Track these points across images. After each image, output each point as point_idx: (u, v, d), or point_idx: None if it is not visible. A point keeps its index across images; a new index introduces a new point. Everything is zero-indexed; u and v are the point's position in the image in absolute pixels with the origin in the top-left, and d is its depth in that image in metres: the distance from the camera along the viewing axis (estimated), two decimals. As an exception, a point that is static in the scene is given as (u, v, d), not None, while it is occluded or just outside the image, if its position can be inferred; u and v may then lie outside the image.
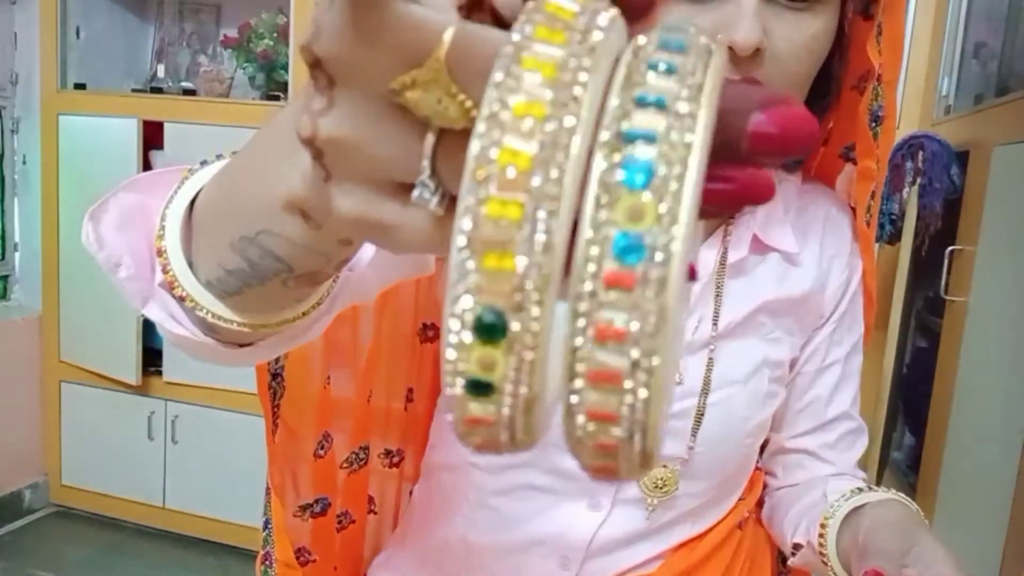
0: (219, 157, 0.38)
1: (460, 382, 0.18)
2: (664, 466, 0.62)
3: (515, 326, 0.18)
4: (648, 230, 0.17)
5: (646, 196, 0.17)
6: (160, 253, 0.36)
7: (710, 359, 0.62)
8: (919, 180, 1.66)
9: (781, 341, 0.66)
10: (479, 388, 0.18)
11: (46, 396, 2.88)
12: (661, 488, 0.62)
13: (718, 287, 0.63)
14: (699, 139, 0.17)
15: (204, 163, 0.37)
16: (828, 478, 0.70)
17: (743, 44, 0.50)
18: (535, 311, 0.18)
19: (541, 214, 0.17)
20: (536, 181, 0.17)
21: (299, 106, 0.25)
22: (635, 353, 0.17)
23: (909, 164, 1.68)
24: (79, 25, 2.71)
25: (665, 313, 0.17)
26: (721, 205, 0.20)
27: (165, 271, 0.35)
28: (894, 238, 1.78)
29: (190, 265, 0.35)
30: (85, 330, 2.77)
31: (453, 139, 0.22)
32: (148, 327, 2.67)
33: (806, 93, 0.57)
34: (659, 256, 0.17)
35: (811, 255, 0.67)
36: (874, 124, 0.65)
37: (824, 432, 0.71)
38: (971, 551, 1.28)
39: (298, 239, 0.29)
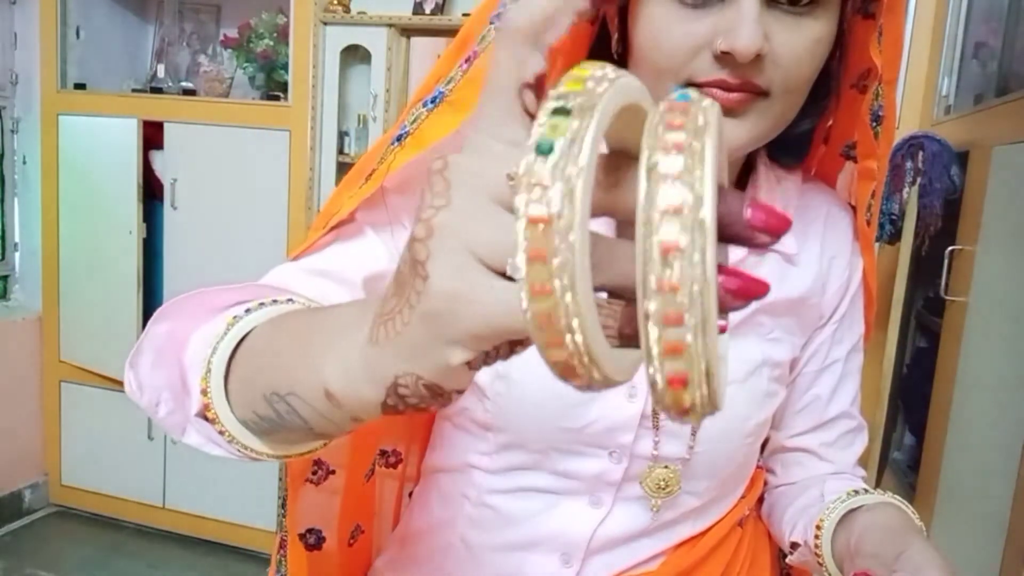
0: (261, 305, 0.43)
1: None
2: (666, 467, 0.62)
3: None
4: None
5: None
6: (205, 393, 0.41)
7: None
8: (919, 180, 1.66)
9: (781, 341, 0.66)
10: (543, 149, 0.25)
11: (46, 396, 2.88)
12: (664, 489, 0.62)
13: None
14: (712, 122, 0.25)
15: (248, 311, 0.43)
16: (826, 477, 0.70)
17: (744, 51, 0.49)
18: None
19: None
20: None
21: (365, 304, 0.33)
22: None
23: (909, 164, 1.68)
24: (79, 25, 2.71)
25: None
26: (737, 296, 0.26)
27: (208, 409, 0.41)
28: (894, 238, 1.77)
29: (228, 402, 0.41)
30: (85, 330, 2.77)
31: None
32: (148, 327, 2.67)
33: (806, 95, 0.57)
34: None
35: (811, 255, 0.66)
36: (875, 124, 0.64)
37: (824, 431, 0.71)
38: (971, 551, 1.28)
39: (321, 410, 0.35)
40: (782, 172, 0.68)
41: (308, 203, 2.49)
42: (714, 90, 0.52)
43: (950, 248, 1.52)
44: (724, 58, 0.50)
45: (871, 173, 0.67)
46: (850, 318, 0.70)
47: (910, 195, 1.68)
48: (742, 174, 0.65)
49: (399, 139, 0.59)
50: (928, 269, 1.75)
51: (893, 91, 0.64)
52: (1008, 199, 1.34)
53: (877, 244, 1.78)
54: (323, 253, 0.58)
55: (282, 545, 0.67)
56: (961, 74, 1.82)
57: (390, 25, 2.39)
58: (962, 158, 1.60)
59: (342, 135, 2.54)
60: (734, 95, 0.52)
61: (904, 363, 1.97)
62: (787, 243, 0.64)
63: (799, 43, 0.52)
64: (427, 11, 2.38)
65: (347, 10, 2.43)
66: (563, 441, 0.61)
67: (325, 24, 2.43)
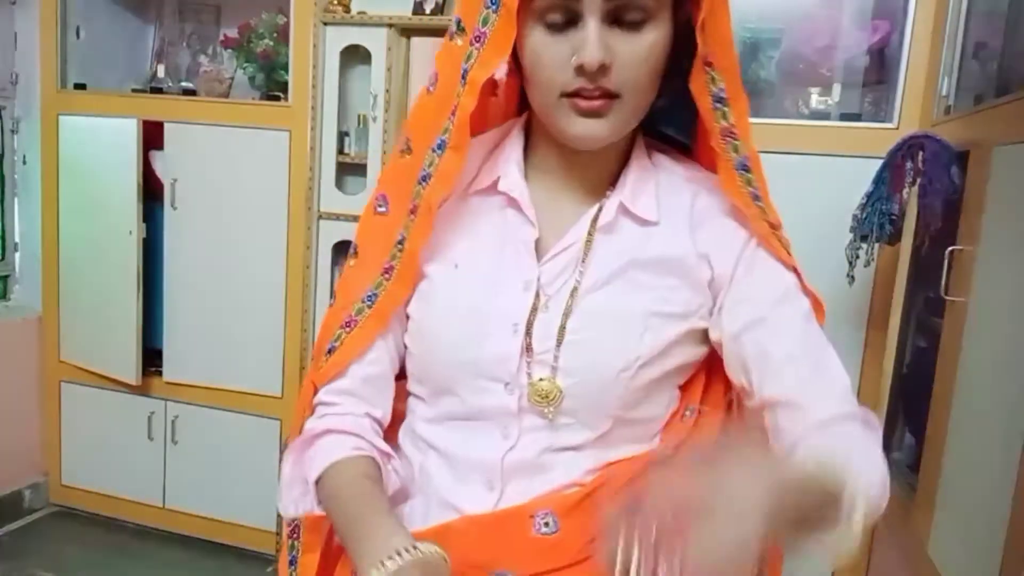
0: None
1: None
2: (541, 379, 0.72)
3: None
4: None
5: None
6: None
7: (575, 286, 0.73)
8: (919, 180, 1.65)
9: (662, 294, 0.74)
10: None
11: (46, 396, 2.89)
12: (547, 398, 0.72)
13: (588, 243, 0.74)
14: None
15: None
16: (809, 434, 0.66)
17: (589, 64, 0.65)
18: None
19: None
20: None
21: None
22: None
23: (909, 164, 1.68)
24: (79, 25, 2.71)
25: None
26: None
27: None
28: (894, 238, 1.77)
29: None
30: (85, 330, 2.77)
31: None
32: (148, 327, 2.67)
33: (655, 89, 0.71)
34: None
35: (675, 222, 0.76)
36: (719, 105, 0.72)
37: (775, 380, 0.70)
38: (971, 551, 1.28)
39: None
40: (667, 161, 0.80)
41: (308, 203, 2.49)
42: (579, 100, 0.68)
43: (950, 248, 1.52)
44: (580, 70, 0.66)
45: (714, 152, 0.74)
46: (761, 278, 0.73)
47: (910, 195, 1.68)
48: (620, 167, 0.78)
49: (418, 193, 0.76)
50: (928, 269, 1.75)
51: (732, 76, 0.72)
52: (1008, 199, 1.34)
53: (877, 244, 1.78)
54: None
55: (294, 532, 0.81)
56: (961, 74, 1.82)
57: (390, 25, 2.39)
58: (962, 158, 1.60)
59: (342, 135, 2.55)
60: (595, 101, 0.68)
61: (904, 363, 1.97)
62: (647, 210, 0.76)
63: (636, 51, 0.67)
64: (427, 11, 2.39)
65: (347, 10, 2.44)
66: (468, 375, 0.74)
67: (325, 24, 2.43)
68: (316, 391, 0.81)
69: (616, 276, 0.74)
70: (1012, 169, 1.34)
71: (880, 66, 2.12)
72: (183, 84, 2.79)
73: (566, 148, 0.74)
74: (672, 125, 0.84)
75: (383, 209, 0.81)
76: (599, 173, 0.77)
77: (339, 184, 2.53)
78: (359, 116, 2.55)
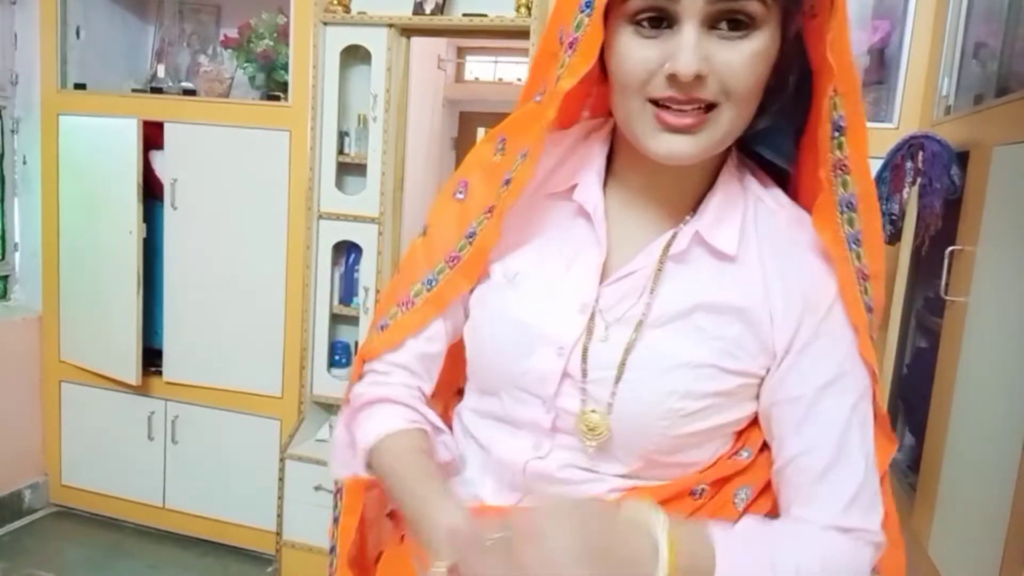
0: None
1: None
2: (594, 411, 0.69)
3: None
4: None
5: None
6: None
7: (640, 320, 0.69)
8: (919, 180, 1.65)
9: (731, 353, 0.68)
10: None
11: (46, 396, 2.89)
12: (594, 431, 0.70)
13: (659, 271, 0.70)
14: None
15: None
16: (787, 531, 0.68)
17: (683, 73, 0.60)
18: None
19: None
20: None
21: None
22: None
23: (909, 164, 1.68)
24: (79, 25, 2.71)
25: None
26: None
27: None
28: (894, 238, 1.77)
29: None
30: (85, 330, 2.77)
31: None
32: (148, 327, 2.67)
33: (757, 100, 0.65)
34: None
35: (753, 267, 0.69)
36: (837, 134, 0.66)
37: (779, 475, 0.71)
38: (971, 551, 1.28)
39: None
40: (759, 189, 0.73)
41: (308, 203, 2.49)
42: (667, 115, 0.62)
43: (950, 248, 1.52)
44: (672, 79, 0.61)
45: (820, 184, 0.68)
46: (817, 350, 0.68)
47: (910, 195, 1.68)
48: (707, 188, 0.72)
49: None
50: (928, 269, 1.75)
51: (852, 103, 0.65)
52: (1008, 199, 1.34)
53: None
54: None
55: (338, 492, 0.84)
56: (961, 74, 1.82)
57: (390, 25, 2.39)
58: (962, 158, 1.60)
59: (342, 135, 2.55)
60: (687, 119, 0.62)
61: (904, 363, 1.97)
62: (726, 243, 0.69)
63: (737, 60, 0.61)
64: (427, 11, 2.39)
65: (347, 10, 2.44)
66: (509, 385, 0.73)
67: (325, 24, 2.43)
68: (363, 364, 0.82)
69: (681, 317, 0.69)
70: (1012, 169, 1.34)
71: (880, 66, 2.12)
72: (183, 84, 2.79)
73: (649, 162, 0.67)
74: (768, 148, 0.76)
75: (461, 196, 0.79)
76: (683, 193, 0.72)
77: (339, 184, 2.53)
78: (359, 116, 2.55)
